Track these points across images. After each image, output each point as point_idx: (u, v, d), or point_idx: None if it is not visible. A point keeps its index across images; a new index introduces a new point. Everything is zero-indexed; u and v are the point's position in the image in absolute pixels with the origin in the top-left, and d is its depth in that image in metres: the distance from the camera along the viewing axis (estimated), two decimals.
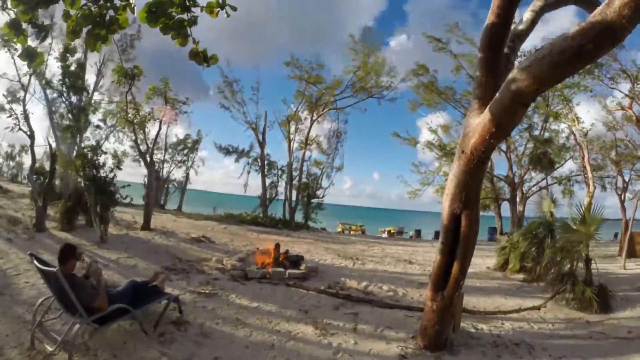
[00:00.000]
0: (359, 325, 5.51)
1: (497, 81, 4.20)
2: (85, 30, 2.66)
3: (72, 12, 2.53)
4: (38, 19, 2.47)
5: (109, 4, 2.59)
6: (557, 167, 24.25)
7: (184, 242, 11.27)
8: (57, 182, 13.50)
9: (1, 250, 7.41)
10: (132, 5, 2.65)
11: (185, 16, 2.65)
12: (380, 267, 10.89)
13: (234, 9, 2.71)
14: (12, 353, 3.72)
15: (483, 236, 21.62)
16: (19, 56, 2.65)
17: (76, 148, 16.36)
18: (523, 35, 5.13)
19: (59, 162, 12.18)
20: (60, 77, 16.26)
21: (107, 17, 2.62)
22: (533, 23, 5.16)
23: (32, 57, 2.58)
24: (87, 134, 20.52)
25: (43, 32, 2.59)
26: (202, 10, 2.66)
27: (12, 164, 35.06)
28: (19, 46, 2.58)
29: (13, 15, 2.41)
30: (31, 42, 2.59)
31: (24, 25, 2.44)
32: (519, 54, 6.29)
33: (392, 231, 29.14)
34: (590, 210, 8.14)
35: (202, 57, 2.86)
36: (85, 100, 17.63)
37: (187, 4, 2.61)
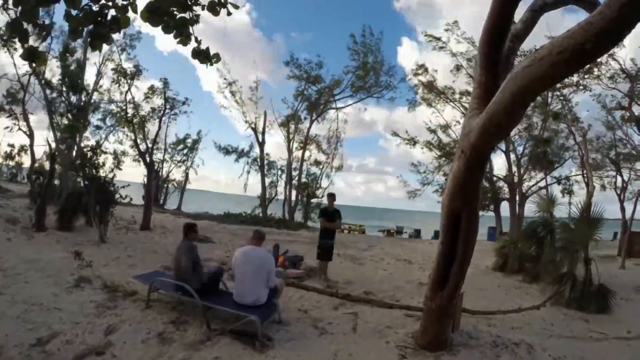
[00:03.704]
0: (358, 325, 5.50)
1: (497, 81, 4.19)
2: (86, 29, 2.66)
3: (74, 12, 2.52)
4: (39, 19, 2.45)
5: (110, 4, 2.58)
6: (557, 167, 24.27)
7: None
8: (56, 181, 13.47)
9: (0, 250, 7.40)
10: (134, 4, 2.64)
11: (187, 15, 2.64)
12: (380, 267, 10.89)
13: (235, 7, 2.71)
14: (12, 352, 3.71)
15: (483, 236, 21.59)
16: (21, 56, 2.63)
17: (76, 148, 16.37)
18: (522, 35, 5.12)
19: (59, 162, 12.18)
20: (59, 76, 16.27)
21: (109, 17, 2.60)
22: (533, 23, 5.15)
23: (34, 57, 2.56)
24: (87, 133, 20.56)
25: (44, 31, 2.58)
26: (203, 9, 2.65)
27: (11, 163, 34.97)
28: (18, 46, 2.58)
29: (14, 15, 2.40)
30: (32, 42, 2.59)
31: (25, 25, 2.43)
32: (518, 53, 6.28)
33: (391, 231, 29.08)
34: (589, 210, 8.14)
35: (204, 56, 2.86)
36: (85, 100, 17.64)
37: (189, 2, 2.60)
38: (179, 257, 5.35)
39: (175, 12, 2.61)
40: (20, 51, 2.54)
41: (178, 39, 2.71)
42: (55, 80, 17.34)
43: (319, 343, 4.79)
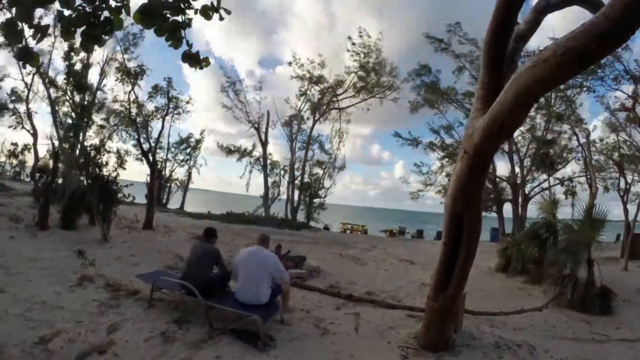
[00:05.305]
0: (360, 326, 5.50)
1: (501, 82, 4.18)
2: (79, 30, 2.66)
3: (67, 12, 2.52)
4: (34, 19, 2.45)
5: (104, 5, 2.58)
6: (560, 168, 24.22)
7: (186, 241, 11.28)
8: (59, 180, 13.51)
9: (3, 248, 7.43)
10: (128, 6, 2.65)
11: (179, 18, 2.65)
12: (382, 268, 10.88)
13: (228, 12, 2.72)
14: (14, 351, 3.73)
15: (485, 237, 21.55)
16: (14, 56, 2.64)
17: (79, 147, 16.43)
18: (526, 35, 5.11)
19: (62, 161, 12.22)
20: (64, 75, 16.34)
21: (102, 18, 2.61)
22: (536, 23, 5.14)
23: (27, 57, 2.56)
24: (90, 132, 20.63)
25: (39, 32, 2.57)
26: (196, 13, 2.66)
27: (14, 162, 35.11)
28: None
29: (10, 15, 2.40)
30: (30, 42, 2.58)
31: (20, 26, 2.43)
32: (522, 54, 6.27)
33: (393, 231, 29.09)
34: (592, 211, 8.12)
35: (195, 60, 2.87)
36: (89, 99, 17.71)
37: (182, 6, 2.60)
38: (198, 258, 5.33)
39: (168, 15, 2.62)
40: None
41: (170, 42, 2.72)
42: (59, 79, 17.46)
43: (321, 343, 4.79)
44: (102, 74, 21.00)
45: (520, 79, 3.27)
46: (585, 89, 19.54)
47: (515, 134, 20.15)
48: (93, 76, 20.12)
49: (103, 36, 2.67)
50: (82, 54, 17.74)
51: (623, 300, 7.69)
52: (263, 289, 4.93)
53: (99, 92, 20.83)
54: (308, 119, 27.36)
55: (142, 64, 16.59)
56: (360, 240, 19.14)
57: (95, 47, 2.79)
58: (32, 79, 19.40)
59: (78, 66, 17.29)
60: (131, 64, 16.81)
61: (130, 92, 15.51)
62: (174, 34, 2.69)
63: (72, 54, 16.64)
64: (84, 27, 2.58)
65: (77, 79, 15.87)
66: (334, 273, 9.19)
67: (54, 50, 18.68)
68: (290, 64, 26.12)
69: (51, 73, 18.69)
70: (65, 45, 17.72)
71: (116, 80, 16.84)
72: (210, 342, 4.39)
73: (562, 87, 18.62)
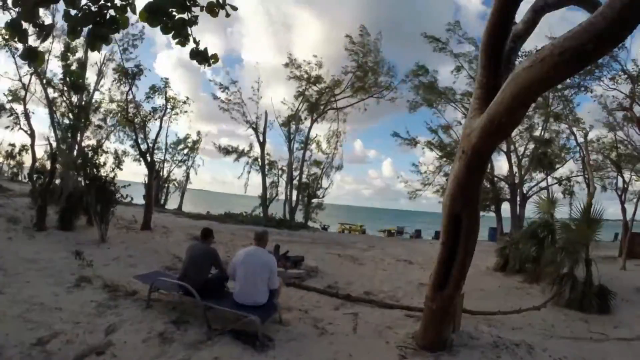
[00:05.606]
0: (358, 326, 5.50)
1: (498, 81, 4.18)
2: (85, 30, 2.66)
3: (73, 12, 2.52)
4: (39, 19, 2.45)
5: (109, 4, 2.58)
6: (558, 168, 24.26)
7: (184, 242, 11.27)
8: (57, 181, 13.47)
9: (1, 250, 7.40)
10: (133, 4, 2.64)
11: (185, 16, 2.64)
12: (380, 267, 10.89)
13: (234, 8, 2.71)
14: (13, 352, 3.71)
15: (484, 237, 21.56)
16: (19, 56, 2.63)
17: (77, 147, 16.37)
18: (524, 35, 5.11)
19: (60, 162, 12.19)
20: (61, 75, 16.27)
21: (108, 17, 2.60)
22: (534, 23, 5.14)
23: (32, 57, 2.56)
24: (88, 133, 20.56)
25: (44, 31, 2.57)
26: (202, 10, 2.65)
27: (12, 163, 34.96)
28: (19, 45, 2.56)
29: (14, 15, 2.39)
30: (32, 42, 2.57)
31: (25, 25, 2.43)
32: (519, 54, 6.28)
33: (392, 231, 29.11)
34: (590, 211, 8.14)
35: (203, 58, 2.86)
36: (86, 99, 17.65)
37: (188, 3, 2.60)
38: (195, 259, 5.32)
39: (174, 13, 2.61)
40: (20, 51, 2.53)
41: (177, 40, 2.71)
42: (56, 79, 17.39)
43: (319, 343, 4.79)
44: (100, 74, 20.95)
45: (518, 78, 3.27)
46: (583, 88, 19.62)
47: (513, 133, 20.17)
48: (91, 76, 19.98)
49: (109, 35, 2.67)
50: (78, 54, 17.71)
51: (621, 299, 7.71)
52: (261, 290, 4.92)
53: (96, 93, 20.81)
54: (306, 119, 27.36)
55: (139, 64, 16.59)
56: (358, 240, 19.15)
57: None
58: (30, 80, 19.34)
59: (74, 66, 17.23)
60: (128, 64, 16.82)
61: (127, 92, 15.50)
62: (181, 31, 2.68)
63: (69, 54, 16.57)
64: (89, 26, 2.58)
65: (74, 80, 15.81)
66: (332, 273, 9.20)
67: (52, 50, 18.63)
68: (287, 65, 26.15)
69: (48, 73, 18.62)
70: (61, 45, 17.71)
71: (114, 81, 16.83)
72: (209, 343, 4.39)
73: (559, 86, 18.65)
